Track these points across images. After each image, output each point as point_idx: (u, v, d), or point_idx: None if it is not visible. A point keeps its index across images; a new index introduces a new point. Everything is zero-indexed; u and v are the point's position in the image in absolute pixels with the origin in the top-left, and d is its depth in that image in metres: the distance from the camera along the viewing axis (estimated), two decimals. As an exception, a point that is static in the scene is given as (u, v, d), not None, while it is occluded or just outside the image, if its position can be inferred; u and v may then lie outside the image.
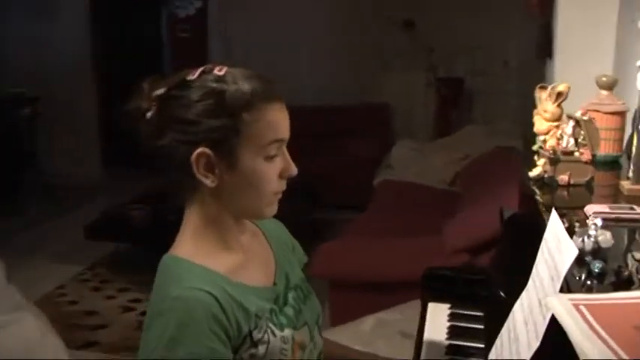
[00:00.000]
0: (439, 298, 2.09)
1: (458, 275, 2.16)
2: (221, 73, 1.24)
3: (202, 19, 7.31)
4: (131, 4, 7.62)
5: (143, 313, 4.04)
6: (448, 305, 2.06)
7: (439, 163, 5.45)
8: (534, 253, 1.43)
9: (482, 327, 1.88)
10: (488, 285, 1.97)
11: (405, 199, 4.75)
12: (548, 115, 1.87)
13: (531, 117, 1.95)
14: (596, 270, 1.15)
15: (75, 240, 5.03)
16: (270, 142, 1.23)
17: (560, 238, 1.19)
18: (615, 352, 0.86)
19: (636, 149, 1.65)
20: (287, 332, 1.29)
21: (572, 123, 1.76)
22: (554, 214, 1.29)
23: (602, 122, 1.95)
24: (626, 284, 1.11)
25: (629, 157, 2.04)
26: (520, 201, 2.21)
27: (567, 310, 0.97)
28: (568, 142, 1.76)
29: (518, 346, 1.24)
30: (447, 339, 1.87)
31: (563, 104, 1.88)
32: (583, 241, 1.19)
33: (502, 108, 6.51)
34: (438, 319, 2.00)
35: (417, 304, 2.50)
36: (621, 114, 2.01)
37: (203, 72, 1.24)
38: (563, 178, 1.75)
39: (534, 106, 1.98)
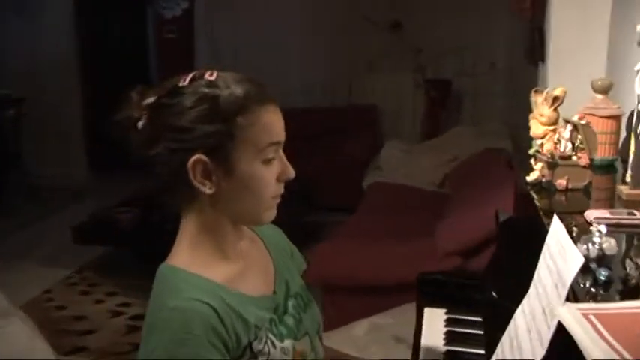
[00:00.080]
0: (435, 303, 2.08)
1: (452, 280, 2.16)
2: (212, 77, 1.22)
3: (189, 20, 7.27)
4: (117, 5, 7.57)
5: (132, 318, 4.05)
6: (444, 310, 2.05)
7: (428, 164, 5.45)
8: (531, 256, 1.42)
9: (479, 332, 1.86)
10: (484, 289, 1.96)
11: (394, 201, 4.74)
12: (544, 119, 1.86)
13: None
14: (602, 278, 1.14)
15: (62, 243, 4.98)
16: (267, 145, 1.21)
17: (565, 245, 1.17)
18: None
19: (634, 154, 1.65)
20: (287, 343, 1.27)
21: (569, 127, 1.76)
22: (555, 219, 1.28)
23: (598, 126, 1.95)
24: (633, 292, 1.10)
25: (623, 161, 2.04)
26: (515, 204, 2.20)
27: (577, 320, 0.97)
28: (566, 147, 1.76)
29: (521, 354, 1.23)
30: (445, 344, 1.86)
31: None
32: (587, 248, 1.18)
33: (490, 109, 6.54)
34: (434, 325, 1.99)
35: (409, 307, 2.49)
36: (616, 118, 2.01)
37: (194, 78, 1.22)
38: (561, 182, 1.74)
39: (529, 110, 1.97)
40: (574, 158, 1.76)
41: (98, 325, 4.01)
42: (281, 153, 1.26)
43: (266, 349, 1.22)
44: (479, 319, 1.93)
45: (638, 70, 1.64)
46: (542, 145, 1.83)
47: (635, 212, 1.51)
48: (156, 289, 1.22)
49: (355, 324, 2.88)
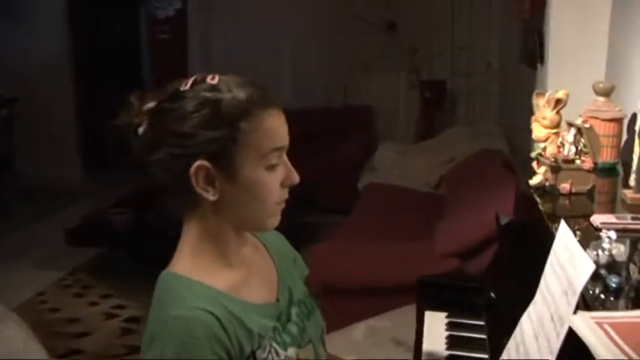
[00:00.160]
0: (435, 307, 2.06)
1: (453, 283, 2.14)
2: (214, 81, 1.19)
3: (182, 20, 7.24)
4: (109, 6, 7.53)
5: (127, 320, 4.02)
6: (445, 314, 2.03)
7: (423, 165, 5.44)
8: (534, 259, 1.40)
9: (481, 336, 1.85)
10: (486, 292, 1.95)
11: (389, 202, 4.72)
12: (546, 122, 1.85)
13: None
14: (613, 285, 1.12)
15: (55, 245, 4.94)
16: (271, 150, 1.19)
17: (574, 252, 1.16)
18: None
19: (639, 157, 1.63)
20: (291, 351, 1.25)
21: (573, 131, 1.74)
22: (563, 225, 1.27)
23: (600, 129, 1.94)
24: (644, 300, 1.09)
25: (623, 164, 2.03)
26: (516, 207, 2.19)
27: (591, 328, 0.95)
28: (569, 150, 1.74)
29: (529, 360, 1.21)
30: (447, 349, 1.85)
31: (557, 110, 1.86)
32: (597, 254, 1.17)
33: (485, 110, 6.53)
34: (435, 329, 1.98)
35: (408, 310, 2.47)
36: (618, 120, 2.00)
37: (195, 82, 1.19)
38: (565, 186, 1.73)
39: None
40: (578, 162, 1.75)
41: (92, 328, 3.98)
42: (285, 158, 1.23)
43: (270, 358, 1.20)
44: (481, 322, 1.92)
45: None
46: (544, 148, 1.82)
47: (640, 216, 1.49)
48: (157, 297, 1.20)
49: (353, 328, 2.86)
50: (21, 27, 6.71)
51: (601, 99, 2.03)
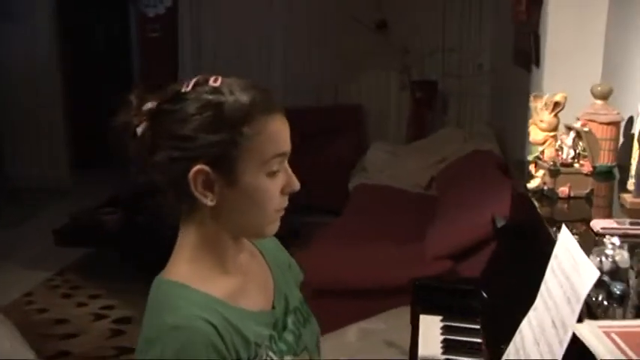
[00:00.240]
0: (430, 310, 2.05)
1: (448, 286, 2.13)
2: (217, 84, 1.16)
3: (172, 19, 7.18)
4: (99, 4, 7.47)
5: (116, 321, 3.98)
6: (440, 317, 2.02)
7: (414, 166, 5.42)
8: (532, 263, 1.39)
9: (477, 340, 1.84)
10: (482, 296, 1.93)
11: (380, 203, 4.70)
12: (544, 125, 1.83)
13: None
14: (618, 292, 1.10)
15: (43, 245, 4.89)
16: (273, 156, 1.16)
17: (577, 259, 1.14)
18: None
19: (638, 162, 1.62)
20: (287, 359, 1.23)
21: (572, 134, 1.73)
22: (565, 231, 1.25)
23: (598, 132, 1.93)
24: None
25: (620, 167, 2.02)
26: (512, 210, 2.17)
27: (598, 337, 0.93)
28: (568, 154, 1.73)
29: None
30: (443, 353, 1.83)
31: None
32: (601, 261, 1.15)
33: (477, 111, 6.53)
34: (430, 332, 1.96)
35: (400, 312, 2.45)
36: (616, 124, 1.99)
37: (197, 83, 1.17)
38: (563, 190, 1.72)
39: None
40: (576, 165, 1.74)
41: (81, 329, 3.93)
42: (286, 164, 1.21)
43: (266, 366, 1.18)
44: (476, 326, 1.91)
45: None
46: (542, 151, 1.80)
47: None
48: (153, 304, 1.17)
49: (345, 330, 2.83)
50: (9, 26, 6.64)
51: (599, 102, 2.02)
